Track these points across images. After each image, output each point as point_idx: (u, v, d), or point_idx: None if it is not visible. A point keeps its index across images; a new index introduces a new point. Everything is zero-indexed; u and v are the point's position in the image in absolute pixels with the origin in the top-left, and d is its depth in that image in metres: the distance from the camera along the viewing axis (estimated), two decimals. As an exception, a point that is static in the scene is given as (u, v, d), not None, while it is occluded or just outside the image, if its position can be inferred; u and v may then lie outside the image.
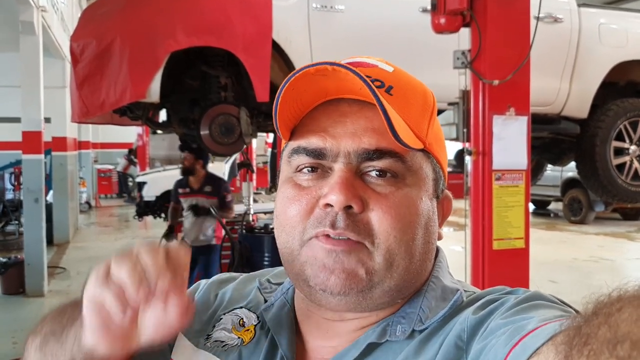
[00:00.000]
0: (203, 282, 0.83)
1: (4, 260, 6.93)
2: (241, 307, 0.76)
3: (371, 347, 0.64)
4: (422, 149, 0.67)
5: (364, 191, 0.63)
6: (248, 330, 0.72)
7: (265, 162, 11.82)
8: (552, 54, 4.75)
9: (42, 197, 6.96)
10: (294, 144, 0.67)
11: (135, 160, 14.73)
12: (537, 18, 3.62)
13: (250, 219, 5.32)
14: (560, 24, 4.84)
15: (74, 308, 0.68)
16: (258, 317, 0.74)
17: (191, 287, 0.82)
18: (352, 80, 0.60)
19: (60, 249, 9.51)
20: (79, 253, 9.04)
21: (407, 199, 0.64)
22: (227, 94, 4.09)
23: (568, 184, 12.31)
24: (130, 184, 16.10)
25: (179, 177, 5.50)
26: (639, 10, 5.81)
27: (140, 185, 9.89)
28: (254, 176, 9.35)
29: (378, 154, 0.64)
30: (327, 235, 0.63)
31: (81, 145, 13.59)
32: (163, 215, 8.48)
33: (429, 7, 3.47)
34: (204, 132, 3.99)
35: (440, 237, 0.71)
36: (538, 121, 4.51)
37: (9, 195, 11.59)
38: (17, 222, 10.04)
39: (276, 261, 0.69)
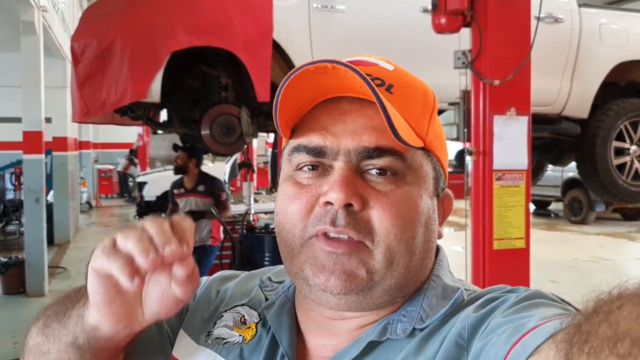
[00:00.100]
0: (204, 279, 0.84)
1: (5, 260, 6.94)
2: (242, 305, 0.76)
3: (372, 346, 0.64)
4: (422, 147, 0.67)
5: (364, 189, 0.64)
6: (249, 327, 0.73)
7: (265, 162, 11.81)
8: (553, 54, 4.75)
9: (43, 197, 6.97)
10: (294, 142, 0.67)
11: (136, 160, 14.73)
12: (538, 18, 3.62)
13: (251, 218, 5.32)
14: (560, 24, 4.84)
15: (77, 292, 0.68)
16: (259, 315, 0.74)
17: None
18: (352, 78, 0.60)
19: (60, 249, 9.52)
20: (79, 253, 9.03)
21: (407, 197, 0.64)
22: (227, 94, 4.09)
23: (568, 184, 12.30)
24: (131, 184, 16.10)
25: (176, 177, 5.50)
26: (639, 11, 5.82)
27: (141, 185, 9.90)
28: (255, 176, 9.35)
29: (378, 152, 0.64)
30: (327, 236, 0.63)
31: (82, 145, 13.60)
32: (163, 215, 8.48)
33: (429, 7, 3.47)
34: (204, 132, 3.99)
35: (440, 236, 0.71)
36: (539, 121, 4.51)
37: (10, 195, 11.60)
38: (17, 222, 10.06)
39: (277, 261, 0.69)
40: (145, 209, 8.96)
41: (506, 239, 3.44)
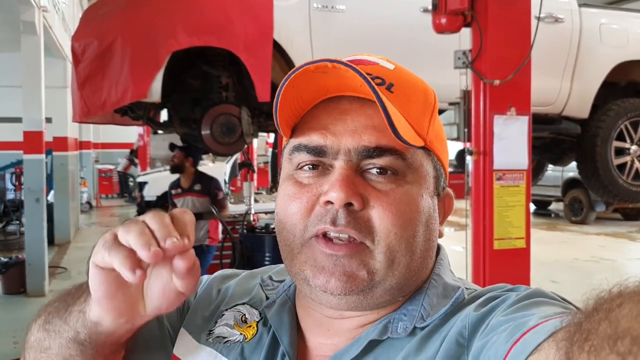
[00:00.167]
0: (205, 278, 0.84)
1: (5, 260, 6.93)
2: (243, 304, 0.76)
3: (372, 345, 0.64)
4: (422, 147, 0.67)
5: (365, 188, 0.63)
6: (250, 326, 0.73)
7: (266, 162, 11.80)
8: (553, 54, 4.75)
9: (43, 197, 6.97)
10: (294, 141, 0.67)
11: (136, 160, 14.73)
12: (538, 18, 3.62)
13: (251, 218, 5.32)
14: (561, 24, 4.84)
15: (78, 288, 0.68)
16: (260, 314, 0.74)
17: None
18: (353, 77, 0.60)
19: (61, 249, 9.52)
20: (80, 253, 9.02)
21: (408, 196, 0.64)
22: (228, 94, 4.09)
23: (569, 184, 12.30)
24: (131, 184, 16.10)
25: (175, 178, 5.51)
26: (639, 11, 5.81)
27: (141, 185, 9.90)
28: (255, 176, 9.35)
29: (378, 151, 0.64)
30: (327, 238, 0.63)
31: (82, 145, 13.60)
32: (164, 214, 8.47)
33: (430, 7, 3.47)
34: (205, 132, 3.99)
35: (441, 235, 0.71)
36: (539, 121, 4.51)
37: (10, 195, 11.61)
38: (18, 222, 10.06)
39: (277, 261, 0.69)
40: (146, 209, 8.95)
41: (506, 239, 3.45)
